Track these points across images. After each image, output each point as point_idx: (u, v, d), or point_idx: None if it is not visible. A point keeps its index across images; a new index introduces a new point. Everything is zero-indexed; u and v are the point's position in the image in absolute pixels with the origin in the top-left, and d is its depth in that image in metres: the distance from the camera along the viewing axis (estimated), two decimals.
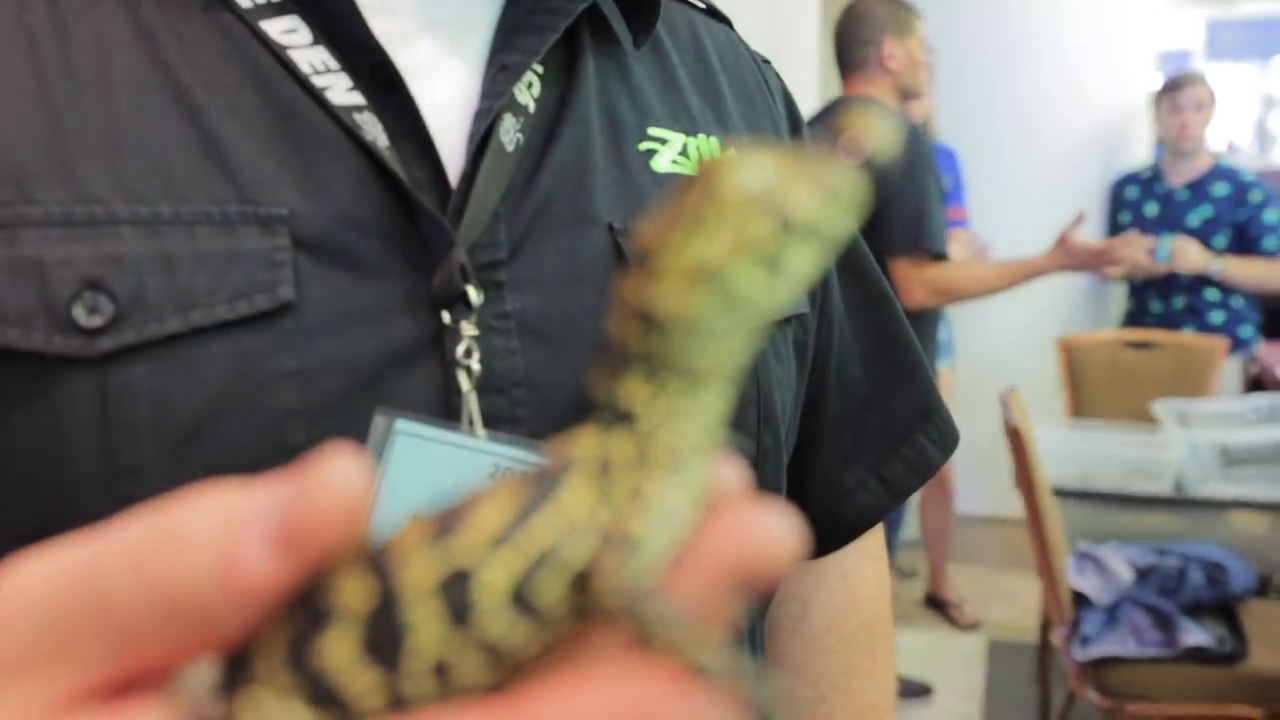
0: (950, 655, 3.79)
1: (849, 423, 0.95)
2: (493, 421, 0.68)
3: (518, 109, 0.73)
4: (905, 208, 3.11)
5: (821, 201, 0.33)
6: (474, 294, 0.68)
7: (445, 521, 0.34)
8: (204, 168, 0.65)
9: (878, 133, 0.35)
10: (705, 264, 0.33)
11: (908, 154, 3.10)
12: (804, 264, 0.34)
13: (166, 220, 0.64)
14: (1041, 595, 3.28)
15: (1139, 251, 3.94)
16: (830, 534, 0.98)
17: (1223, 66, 5.36)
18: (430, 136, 0.69)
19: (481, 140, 0.71)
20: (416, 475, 0.65)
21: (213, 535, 0.33)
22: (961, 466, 4.65)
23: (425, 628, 0.33)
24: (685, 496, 0.34)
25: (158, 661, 0.35)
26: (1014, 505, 3.71)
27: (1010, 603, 4.23)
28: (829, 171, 0.34)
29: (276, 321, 0.64)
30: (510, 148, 0.72)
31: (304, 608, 0.34)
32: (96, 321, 0.61)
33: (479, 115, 0.72)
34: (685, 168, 0.79)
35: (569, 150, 0.74)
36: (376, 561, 0.34)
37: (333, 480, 0.33)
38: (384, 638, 0.33)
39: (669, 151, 0.80)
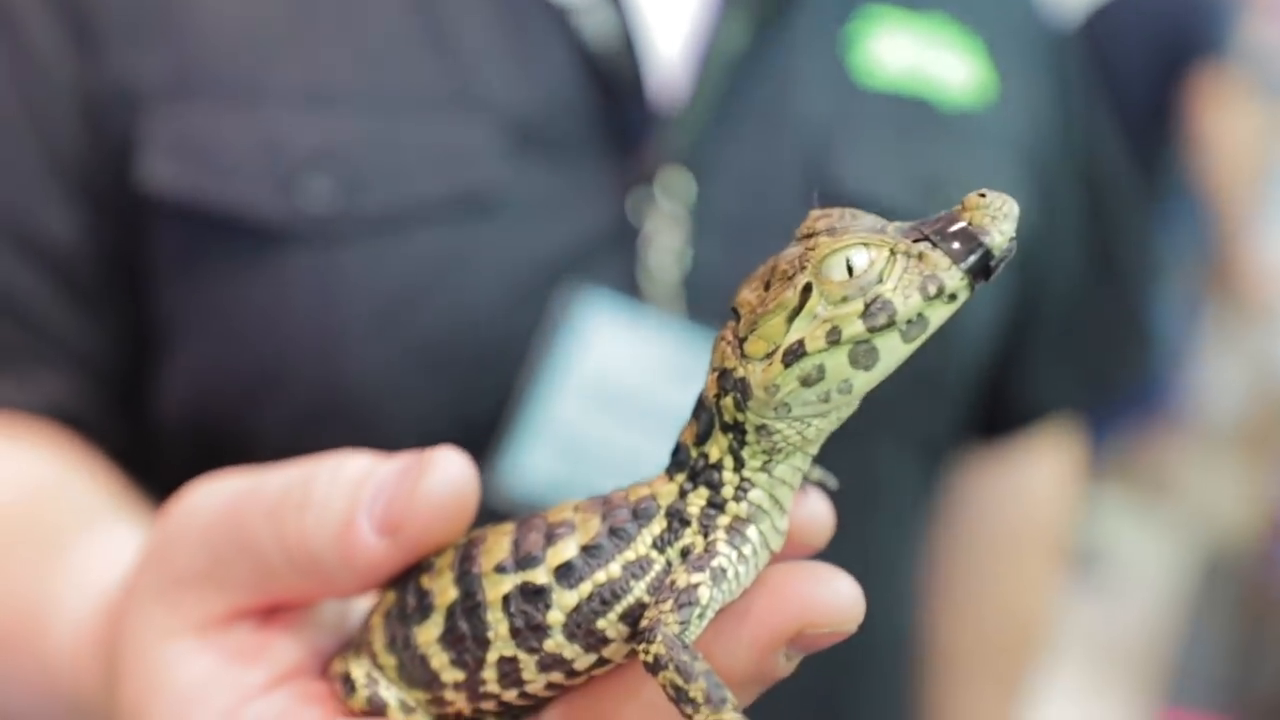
0: (1158, 552, 3.62)
1: (1059, 321, 0.94)
2: (678, 306, 0.71)
3: (738, 12, 0.73)
4: None
5: (921, 299, 0.33)
6: (673, 184, 0.70)
7: (526, 533, 0.38)
8: (430, 55, 0.68)
9: (998, 220, 0.33)
10: (800, 349, 0.34)
11: None
12: (894, 357, 0.34)
13: (392, 103, 0.67)
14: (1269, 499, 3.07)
15: None
16: (1014, 419, 0.97)
17: None
18: (646, 33, 0.70)
19: (702, 42, 0.72)
20: (603, 350, 0.69)
21: (338, 505, 0.39)
22: None
23: (497, 630, 0.38)
24: (746, 558, 0.36)
25: (293, 599, 0.42)
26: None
27: (1236, 501, 3.96)
28: (935, 263, 0.33)
29: (483, 208, 0.67)
30: (727, 50, 0.72)
31: (408, 587, 0.40)
32: (319, 195, 0.65)
33: (702, 17, 0.73)
34: (908, 81, 0.77)
35: (781, 54, 0.74)
36: (468, 560, 0.39)
37: (438, 482, 0.38)
38: (462, 632, 0.38)
39: (891, 42, 0.77)
